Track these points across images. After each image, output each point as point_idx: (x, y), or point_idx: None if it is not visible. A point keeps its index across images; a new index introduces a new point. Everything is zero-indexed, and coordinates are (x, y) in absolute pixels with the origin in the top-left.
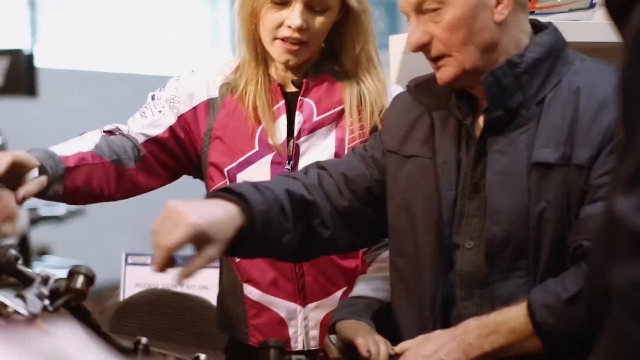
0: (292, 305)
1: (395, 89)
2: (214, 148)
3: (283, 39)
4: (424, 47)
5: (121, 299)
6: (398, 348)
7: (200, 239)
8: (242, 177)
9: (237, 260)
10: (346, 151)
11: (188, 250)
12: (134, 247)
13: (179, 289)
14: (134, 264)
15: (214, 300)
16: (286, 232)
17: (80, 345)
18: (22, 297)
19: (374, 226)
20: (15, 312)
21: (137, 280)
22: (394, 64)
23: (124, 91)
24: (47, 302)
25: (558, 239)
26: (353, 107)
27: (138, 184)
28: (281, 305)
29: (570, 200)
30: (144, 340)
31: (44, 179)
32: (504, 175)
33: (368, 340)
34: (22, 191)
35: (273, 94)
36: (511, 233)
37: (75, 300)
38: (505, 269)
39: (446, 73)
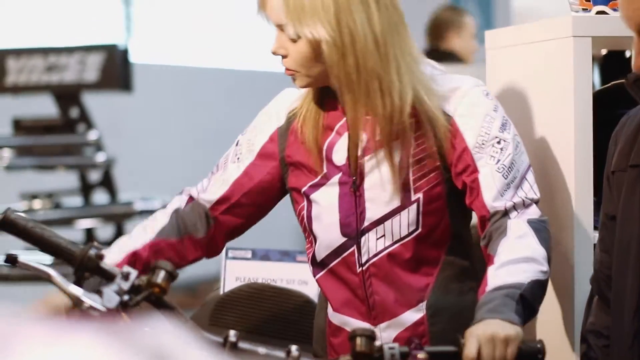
0: (366, 325)
1: (459, 84)
2: (291, 174)
3: None
4: None
5: (222, 292)
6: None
7: None
8: (314, 197)
9: (315, 278)
10: (410, 169)
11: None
12: (234, 241)
13: (279, 284)
14: (234, 258)
15: (313, 296)
16: None
17: (176, 339)
18: (99, 293)
19: None
20: (91, 307)
21: (237, 274)
22: (490, 59)
23: (218, 86)
24: (126, 297)
25: None
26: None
27: (215, 246)
28: (354, 325)
29: None
30: (232, 334)
31: None
32: None
33: (483, 350)
34: None
35: (333, 112)
36: None
37: (155, 295)
38: None
39: None
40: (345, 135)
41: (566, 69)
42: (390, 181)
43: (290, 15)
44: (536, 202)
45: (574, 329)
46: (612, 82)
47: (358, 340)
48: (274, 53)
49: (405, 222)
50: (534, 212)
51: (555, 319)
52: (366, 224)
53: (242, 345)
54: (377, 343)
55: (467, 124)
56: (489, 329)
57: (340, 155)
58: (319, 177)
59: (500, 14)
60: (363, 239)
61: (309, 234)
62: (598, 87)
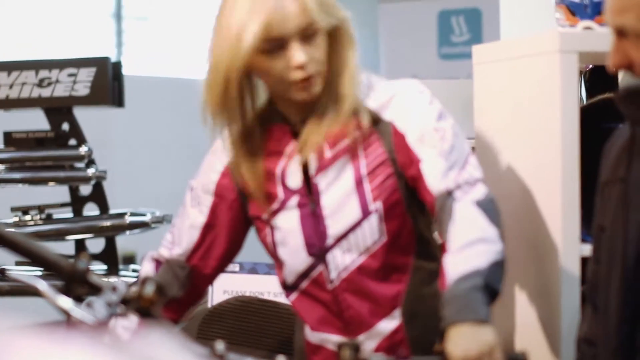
0: (344, 339)
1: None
2: (250, 203)
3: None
4: (623, 69)
5: (209, 305)
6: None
7: None
8: (276, 223)
9: (289, 301)
10: (365, 180)
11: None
12: None
13: (266, 297)
14: None
15: None
16: None
17: (166, 350)
18: (89, 305)
19: None
20: (81, 320)
21: (225, 287)
22: (477, 74)
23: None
24: (116, 309)
25: None
26: (358, 134)
27: (198, 295)
28: (333, 341)
29: None
30: (219, 346)
31: None
32: None
33: None
34: None
35: (281, 137)
36: None
37: (144, 308)
38: None
39: None
40: (296, 158)
41: (553, 84)
42: (346, 195)
43: (318, 8)
44: (480, 180)
45: (560, 341)
46: (599, 97)
47: (344, 351)
48: (305, 63)
49: (368, 233)
50: (479, 190)
51: (540, 331)
52: (330, 241)
53: (229, 356)
54: (363, 354)
55: (406, 124)
56: (472, 347)
57: (294, 178)
58: (277, 203)
59: (489, 29)
60: (330, 256)
61: (277, 258)
62: (582, 100)
